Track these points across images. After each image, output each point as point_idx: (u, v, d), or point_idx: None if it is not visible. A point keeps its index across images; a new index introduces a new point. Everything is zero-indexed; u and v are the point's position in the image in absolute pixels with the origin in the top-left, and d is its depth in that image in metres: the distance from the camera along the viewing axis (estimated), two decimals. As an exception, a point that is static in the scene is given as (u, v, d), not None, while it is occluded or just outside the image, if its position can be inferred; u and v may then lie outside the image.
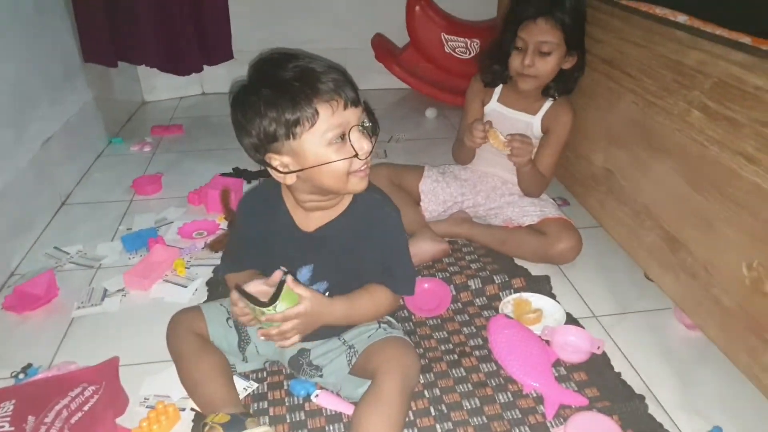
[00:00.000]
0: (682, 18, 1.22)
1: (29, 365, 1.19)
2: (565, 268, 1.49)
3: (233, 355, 1.12)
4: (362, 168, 0.94)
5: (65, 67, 2.00)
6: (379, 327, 1.08)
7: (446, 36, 2.58)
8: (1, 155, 1.54)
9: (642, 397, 1.09)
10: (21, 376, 1.16)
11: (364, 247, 1.04)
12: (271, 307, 0.91)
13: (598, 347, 1.17)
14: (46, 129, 1.82)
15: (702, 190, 1.12)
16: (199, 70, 2.28)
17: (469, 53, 2.61)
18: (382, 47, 2.70)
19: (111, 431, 0.97)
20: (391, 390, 0.93)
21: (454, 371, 1.15)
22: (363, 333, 1.07)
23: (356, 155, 0.91)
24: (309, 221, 1.04)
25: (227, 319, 1.14)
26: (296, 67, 0.91)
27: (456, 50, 2.61)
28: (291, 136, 0.89)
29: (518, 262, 1.50)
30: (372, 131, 0.95)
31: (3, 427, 0.97)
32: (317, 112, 0.88)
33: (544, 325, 1.22)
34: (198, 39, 2.21)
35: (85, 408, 1.00)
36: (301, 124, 0.88)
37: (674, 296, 1.26)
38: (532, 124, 1.55)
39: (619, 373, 1.15)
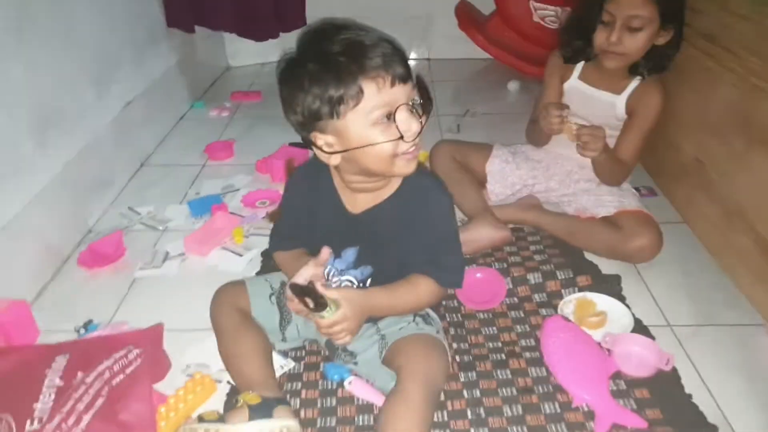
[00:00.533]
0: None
1: (90, 321, 1.24)
2: (641, 267, 1.34)
3: (273, 334, 1.11)
4: (410, 150, 0.88)
5: (149, 31, 2.06)
6: (413, 320, 1.02)
7: (535, 4, 2.40)
8: (84, 114, 1.61)
9: (715, 428, 0.96)
10: (82, 331, 1.21)
11: (410, 233, 0.98)
12: (322, 312, 0.89)
13: (668, 362, 1.05)
14: (129, 91, 1.88)
15: (809, 194, 0.95)
16: (275, 36, 2.27)
17: (560, 23, 2.41)
18: (466, 15, 2.56)
19: (147, 396, 0.99)
20: (415, 393, 0.87)
21: (499, 372, 1.07)
22: (396, 324, 1.02)
23: (401, 137, 0.85)
24: (356, 202, 1.00)
25: (270, 296, 1.12)
26: (344, 39, 0.84)
27: (545, 19, 2.42)
28: (335, 115, 0.84)
29: (588, 257, 1.38)
30: (423, 110, 0.87)
31: (55, 381, 1.02)
32: (362, 90, 0.82)
33: (607, 332, 1.11)
34: (274, 5, 2.18)
35: (128, 371, 1.03)
36: (345, 102, 0.82)
37: (766, 312, 1.10)
38: (615, 104, 1.40)
39: (689, 395, 1.02)
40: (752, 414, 1.01)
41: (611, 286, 1.26)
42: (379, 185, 0.96)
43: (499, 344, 1.14)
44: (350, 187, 0.97)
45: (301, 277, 0.94)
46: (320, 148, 0.89)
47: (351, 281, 1.03)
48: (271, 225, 1.54)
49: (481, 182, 1.56)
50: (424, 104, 0.88)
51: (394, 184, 0.97)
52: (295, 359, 1.12)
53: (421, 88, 0.88)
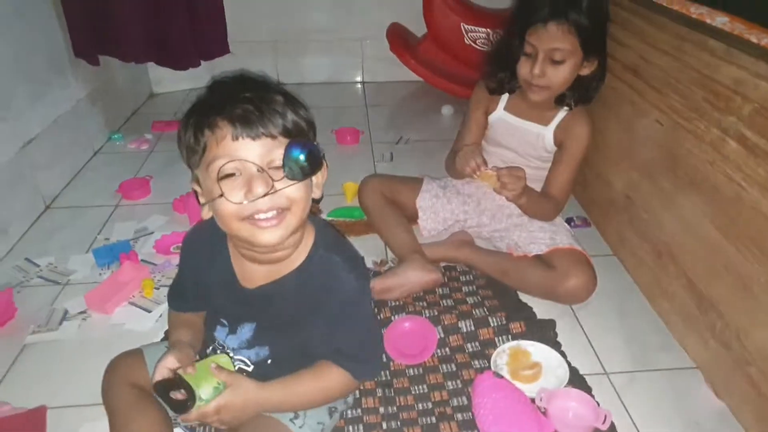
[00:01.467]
0: (721, 20, 0.98)
1: (-38, 404, 1.08)
2: (577, 308, 1.29)
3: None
4: (257, 216, 0.76)
5: (51, 62, 1.89)
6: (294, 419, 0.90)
7: (466, 26, 2.37)
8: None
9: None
10: (-47, 416, 1.05)
11: (314, 317, 0.87)
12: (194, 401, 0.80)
13: (605, 419, 0.98)
14: (27, 131, 1.71)
15: (737, 241, 0.91)
16: (196, 64, 2.15)
17: (491, 45, 2.38)
18: (397, 37, 2.50)
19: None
20: None
21: (427, 438, 0.98)
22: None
23: (221, 195, 0.75)
24: (251, 275, 0.88)
25: (174, 363, 1.00)
26: (221, 91, 0.78)
27: (477, 41, 2.39)
28: (192, 164, 0.80)
29: (523, 297, 1.31)
30: (288, 172, 0.76)
31: None
32: (203, 141, 0.76)
33: (541, 387, 1.04)
34: (191, 33, 2.06)
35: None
36: (195, 151, 0.78)
37: (700, 363, 1.06)
38: (543, 135, 1.35)
39: (627, 454, 0.96)
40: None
41: (545, 333, 1.19)
42: (275, 257, 0.85)
43: (430, 405, 1.05)
44: (241, 254, 0.87)
45: (164, 369, 0.84)
46: (198, 201, 0.83)
47: (244, 362, 0.92)
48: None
49: (412, 218, 1.48)
50: (293, 167, 0.76)
51: (297, 259, 0.86)
52: (203, 436, 1.00)
53: (292, 150, 0.76)
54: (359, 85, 2.77)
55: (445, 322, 1.21)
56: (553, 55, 1.22)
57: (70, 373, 1.16)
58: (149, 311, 1.33)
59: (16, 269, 1.48)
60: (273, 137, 0.75)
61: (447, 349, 1.18)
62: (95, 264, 1.49)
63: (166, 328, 1.24)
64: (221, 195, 0.75)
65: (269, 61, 2.79)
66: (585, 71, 1.26)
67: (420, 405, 1.05)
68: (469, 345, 1.18)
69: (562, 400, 1.01)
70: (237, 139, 0.74)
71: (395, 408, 1.05)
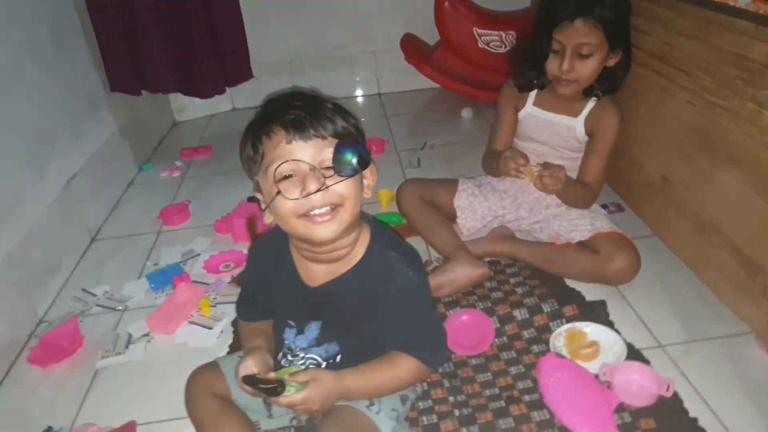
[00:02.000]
0: (744, 1, 1.03)
1: (49, 429, 1.13)
2: (623, 288, 1.32)
3: (258, 412, 1.03)
4: (312, 212, 0.82)
5: (88, 99, 1.97)
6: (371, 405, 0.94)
7: (479, 30, 2.43)
8: (22, 198, 1.50)
9: (725, 451, 0.93)
10: (40, 441, 1.10)
11: (377, 311, 0.92)
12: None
13: (668, 387, 1.01)
14: (70, 166, 1.78)
15: (783, 204, 0.94)
16: (222, 92, 2.22)
17: (505, 46, 2.44)
18: (411, 47, 2.57)
19: None
20: None
21: (501, 421, 1.02)
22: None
23: (278, 193, 0.81)
24: (313, 275, 0.94)
25: (249, 372, 1.05)
26: (272, 103, 0.87)
27: (490, 44, 2.44)
28: (253, 171, 0.88)
29: (570, 283, 1.35)
30: (337, 169, 0.82)
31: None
32: (260, 147, 0.84)
33: (602, 363, 1.07)
34: (217, 62, 2.13)
35: (100, 483, 0.93)
36: (254, 159, 0.86)
37: (754, 324, 1.09)
38: (574, 127, 1.40)
39: (695, 420, 0.99)
40: (759, 429, 0.99)
41: (598, 313, 1.23)
42: (334, 255, 0.90)
43: (497, 390, 1.09)
44: (303, 255, 0.93)
45: (246, 369, 0.90)
46: (261, 208, 0.90)
47: (315, 360, 0.97)
48: (239, 290, 1.49)
49: (450, 218, 1.52)
50: (339, 165, 0.82)
51: (355, 256, 0.92)
52: (284, 439, 1.04)
53: (341, 150, 0.83)
54: (377, 97, 2.83)
55: (500, 312, 1.25)
56: (580, 50, 1.27)
57: (145, 391, 1.21)
58: (210, 328, 1.37)
59: (75, 300, 1.54)
60: (323, 138, 0.82)
61: (504, 338, 1.21)
62: (149, 288, 1.55)
63: (230, 341, 1.31)
64: (278, 193, 0.81)
65: (287, 81, 2.86)
66: (611, 62, 1.31)
67: (487, 391, 1.09)
68: (525, 332, 1.22)
69: (625, 373, 1.04)
70: (290, 142, 0.81)
71: (464, 396, 1.08)
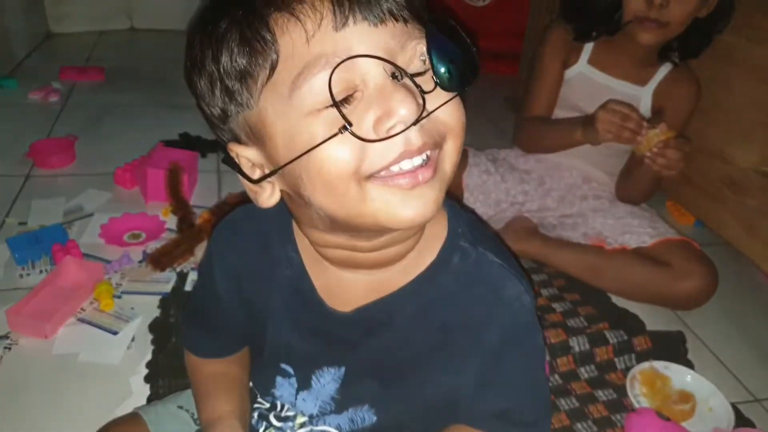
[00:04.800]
0: None
1: None
2: (685, 315, 1.05)
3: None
4: (401, 168, 0.40)
5: None
6: None
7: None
8: None
9: None
10: None
11: (459, 355, 0.51)
12: None
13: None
14: None
15: None
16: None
17: (483, 2, 2.11)
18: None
19: None
20: None
21: None
22: None
23: (344, 127, 0.38)
24: (343, 290, 0.51)
25: (195, 432, 0.61)
26: None
27: (474, -3, 2.11)
28: (242, 103, 0.42)
29: (615, 300, 1.05)
30: (443, 76, 0.40)
31: None
32: (272, 43, 0.39)
33: (714, 427, 0.78)
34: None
35: None
36: (252, 72, 0.41)
37: None
38: (640, 98, 1.10)
39: None
40: None
41: (675, 349, 0.94)
42: (386, 255, 0.48)
43: (569, 461, 0.76)
44: (331, 258, 0.50)
45: None
46: (245, 175, 0.45)
47: None
48: (158, 275, 1.02)
49: (456, 198, 1.16)
50: (445, 70, 0.40)
51: (419, 259, 0.50)
52: None
53: (433, 38, 0.41)
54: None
55: (551, 340, 0.91)
56: None
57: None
58: (114, 333, 0.90)
59: None
60: (404, 21, 0.40)
61: (557, 377, 0.89)
62: (11, 260, 1.03)
63: (147, 357, 0.85)
64: (345, 127, 0.38)
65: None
66: (703, 12, 1.01)
67: (556, 462, 0.75)
68: (583, 369, 0.90)
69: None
70: (345, 25, 0.39)
71: (524, 469, 0.74)
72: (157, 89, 1.81)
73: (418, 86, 0.39)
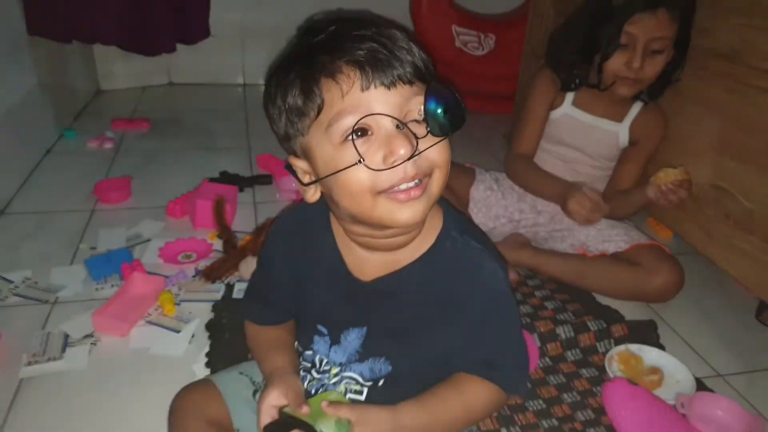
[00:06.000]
0: None
1: (-43, 462, 0.80)
2: (659, 308, 1.21)
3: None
4: (399, 188, 0.60)
5: (7, 40, 1.58)
6: None
7: (458, 28, 2.30)
8: None
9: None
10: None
11: (449, 319, 0.71)
12: None
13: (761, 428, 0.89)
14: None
15: None
16: (171, 50, 1.89)
17: (482, 49, 2.34)
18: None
19: None
20: None
21: (570, 460, 0.85)
22: None
23: (360, 161, 0.58)
24: (365, 265, 0.71)
25: (255, 393, 0.80)
26: (329, 32, 0.62)
27: (468, 45, 2.33)
28: (298, 130, 0.63)
29: (600, 299, 1.22)
30: (433, 127, 0.60)
31: None
32: (321, 94, 0.60)
33: (678, 393, 0.94)
34: (172, 12, 1.80)
35: None
36: (306, 111, 0.61)
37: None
38: (617, 133, 1.26)
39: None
40: None
41: (647, 335, 1.10)
42: (397, 241, 0.68)
43: (555, 422, 0.92)
44: (354, 240, 0.70)
45: (270, 408, 0.68)
46: (299, 179, 0.67)
47: (355, 381, 0.74)
48: (209, 286, 1.21)
49: (461, 207, 1.34)
50: (434, 121, 0.60)
51: (422, 244, 0.70)
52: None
53: (434, 95, 0.60)
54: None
55: (541, 329, 1.08)
56: (652, 45, 1.12)
57: (94, 409, 0.91)
58: (177, 331, 1.09)
59: (-19, 287, 1.18)
60: (410, 83, 0.60)
61: (547, 359, 1.05)
62: (88, 277, 1.23)
63: (205, 350, 1.04)
64: (360, 161, 0.58)
65: (237, 59, 2.58)
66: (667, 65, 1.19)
67: (544, 422, 0.91)
68: (569, 353, 1.06)
69: (707, 405, 0.91)
70: (368, 88, 0.58)
71: (518, 428, 0.90)
72: (196, 135, 2.05)
73: (413, 134, 0.59)
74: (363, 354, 0.73)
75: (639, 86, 1.18)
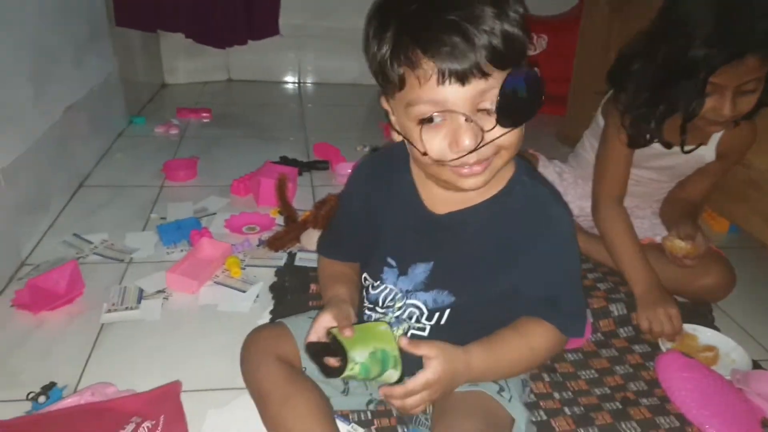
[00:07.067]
0: None
1: (52, 384, 0.87)
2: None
3: (332, 386, 0.82)
4: (462, 165, 0.66)
5: (91, 28, 1.70)
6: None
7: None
8: (22, 116, 1.25)
9: None
10: (42, 399, 0.84)
11: (515, 258, 0.74)
12: (379, 376, 0.69)
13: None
14: (69, 94, 1.52)
15: None
16: (243, 42, 2.00)
17: (535, 50, 2.36)
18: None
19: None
20: None
21: (624, 424, 0.86)
22: None
23: (424, 153, 0.65)
24: (439, 200, 0.76)
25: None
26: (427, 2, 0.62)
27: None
28: (386, 87, 0.68)
29: (652, 285, 1.23)
30: (505, 119, 0.63)
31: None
32: (403, 78, 0.64)
33: (733, 369, 0.95)
34: (245, 9, 1.92)
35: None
36: (389, 79, 0.65)
37: None
38: (704, 155, 1.18)
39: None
40: None
41: (703, 316, 1.11)
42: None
43: (608, 390, 0.94)
44: (430, 178, 0.74)
45: (321, 328, 0.72)
46: (389, 118, 0.72)
47: (418, 309, 0.78)
48: (272, 254, 1.28)
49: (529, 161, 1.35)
50: (505, 115, 0.63)
51: (494, 185, 0.73)
52: (361, 424, 0.84)
53: (508, 96, 0.62)
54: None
55: (594, 306, 1.10)
56: (744, 88, 0.98)
57: (166, 355, 0.98)
58: (243, 292, 1.15)
59: (65, 245, 1.28)
60: (485, 76, 0.61)
61: (599, 334, 1.07)
62: (158, 242, 1.31)
63: (270, 309, 1.10)
64: (425, 154, 0.65)
65: (292, 59, 2.69)
66: None
67: (596, 390, 0.93)
68: (622, 330, 1.08)
69: (764, 383, 0.91)
70: (443, 83, 0.61)
71: (570, 393, 0.92)
72: (255, 126, 2.15)
73: (480, 127, 0.63)
74: (428, 285, 0.77)
75: (732, 124, 1.09)
